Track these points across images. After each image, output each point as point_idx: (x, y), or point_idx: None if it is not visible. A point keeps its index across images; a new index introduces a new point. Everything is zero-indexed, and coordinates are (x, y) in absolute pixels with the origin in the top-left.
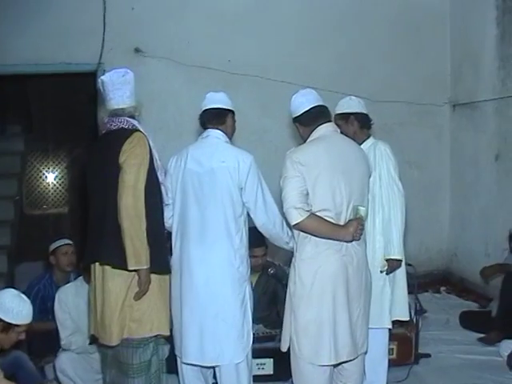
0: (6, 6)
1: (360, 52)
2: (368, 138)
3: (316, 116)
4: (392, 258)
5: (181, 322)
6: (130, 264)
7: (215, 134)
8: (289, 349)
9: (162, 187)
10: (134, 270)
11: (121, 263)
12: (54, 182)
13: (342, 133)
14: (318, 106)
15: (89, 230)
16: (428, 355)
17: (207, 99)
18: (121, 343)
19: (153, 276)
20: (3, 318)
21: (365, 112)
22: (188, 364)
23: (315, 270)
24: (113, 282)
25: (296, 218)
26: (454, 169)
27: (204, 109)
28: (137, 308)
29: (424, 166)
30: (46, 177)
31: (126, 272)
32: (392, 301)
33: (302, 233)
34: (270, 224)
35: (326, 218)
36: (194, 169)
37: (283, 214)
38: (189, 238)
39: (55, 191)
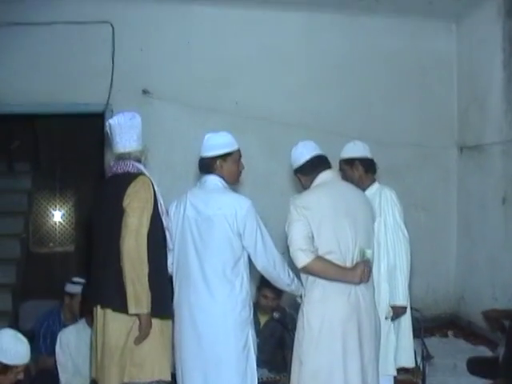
0: (16, 46)
1: (367, 95)
2: (373, 182)
3: (316, 165)
4: (397, 304)
5: (183, 368)
6: (130, 308)
7: (211, 180)
8: None
9: (167, 232)
10: (135, 315)
11: (121, 307)
12: (61, 221)
13: (347, 178)
14: (318, 155)
15: (92, 273)
16: None
17: (202, 144)
18: None
19: (154, 320)
20: (1, 359)
21: (369, 157)
22: None
23: (324, 315)
24: (113, 325)
25: (303, 260)
26: (460, 211)
27: (200, 157)
28: (138, 352)
29: (431, 209)
30: (53, 215)
31: (127, 316)
32: (397, 347)
33: (310, 276)
34: (270, 266)
35: (332, 260)
36: (192, 215)
37: (290, 258)
38: (189, 284)
39: (62, 229)
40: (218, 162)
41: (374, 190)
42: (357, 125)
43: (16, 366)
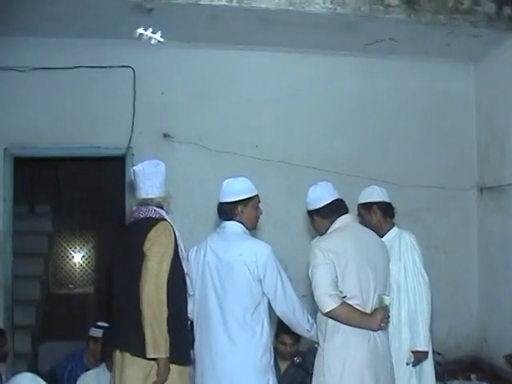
0: (40, 90)
1: (386, 138)
2: (392, 227)
3: (336, 208)
4: (418, 349)
5: None
6: (148, 352)
7: (231, 226)
8: None
9: (187, 277)
10: (153, 359)
11: (140, 351)
12: (81, 262)
13: (365, 223)
14: (338, 198)
15: (112, 317)
16: None
17: (222, 190)
18: None
19: (173, 366)
20: None
21: (387, 201)
22: None
23: (345, 360)
24: (131, 369)
25: (330, 305)
26: (482, 253)
27: (219, 202)
28: None
29: (452, 251)
30: (73, 257)
31: (145, 360)
32: None
33: (330, 321)
34: (289, 312)
35: (354, 305)
36: (212, 261)
37: (309, 303)
38: (209, 329)
39: (81, 271)
40: (238, 208)
41: (393, 234)
42: (376, 168)
43: None
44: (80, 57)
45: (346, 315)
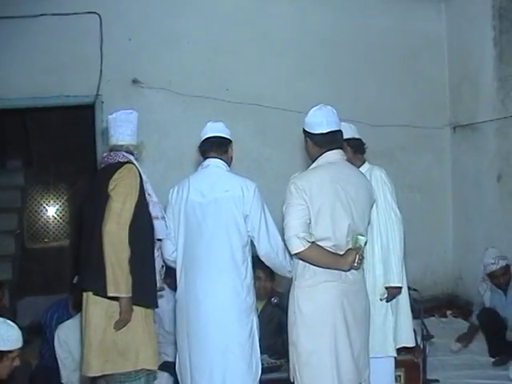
0: (3, 40)
1: (357, 77)
2: (363, 163)
3: (329, 142)
4: (392, 285)
5: (189, 357)
6: (109, 290)
7: (216, 163)
8: None
9: (156, 221)
10: (114, 299)
11: (101, 290)
12: (55, 215)
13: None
14: (335, 131)
15: (78, 259)
16: (437, 381)
17: (208, 128)
18: (110, 377)
19: (138, 308)
20: None
21: (357, 137)
22: None
23: (314, 299)
24: (94, 308)
25: (298, 247)
26: (456, 191)
27: (205, 137)
28: (121, 342)
29: (426, 190)
30: (47, 210)
31: (107, 301)
32: (396, 328)
33: (300, 261)
34: (272, 253)
35: (325, 247)
36: (196, 200)
37: (284, 242)
38: (194, 270)
39: (56, 224)
40: (228, 146)
41: (364, 170)
42: (348, 107)
43: (11, 351)
44: (45, 5)
45: (315, 258)
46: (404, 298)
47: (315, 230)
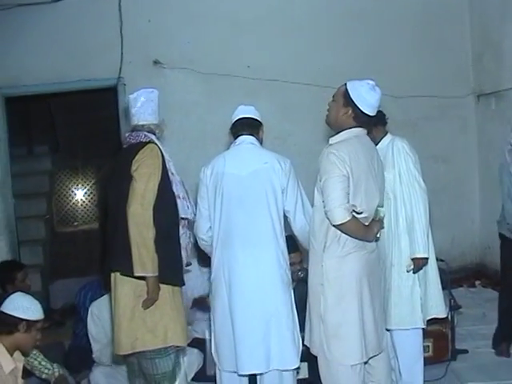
0: (25, 27)
1: (380, 49)
2: (385, 135)
3: (366, 122)
4: (417, 256)
5: (232, 331)
6: (135, 270)
7: (250, 140)
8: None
9: (179, 200)
10: (142, 278)
11: (128, 270)
12: (84, 199)
13: None
14: (379, 111)
15: (105, 241)
16: (465, 351)
17: (239, 110)
18: (141, 355)
19: (165, 287)
20: (25, 316)
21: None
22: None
23: (343, 270)
24: (122, 289)
25: (343, 217)
26: (482, 160)
27: (237, 118)
28: (149, 320)
29: (451, 160)
30: (76, 194)
31: (135, 280)
32: (426, 299)
33: (331, 232)
34: (307, 227)
35: (360, 219)
36: (235, 173)
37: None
38: (233, 243)
39: (85, 208)
40: (260, 128)
41: (386, 142)
42: (371, 79)
43: (37, 322)
44: None
45: (355, 229)
46: (433, 269)
47: (353, 202)
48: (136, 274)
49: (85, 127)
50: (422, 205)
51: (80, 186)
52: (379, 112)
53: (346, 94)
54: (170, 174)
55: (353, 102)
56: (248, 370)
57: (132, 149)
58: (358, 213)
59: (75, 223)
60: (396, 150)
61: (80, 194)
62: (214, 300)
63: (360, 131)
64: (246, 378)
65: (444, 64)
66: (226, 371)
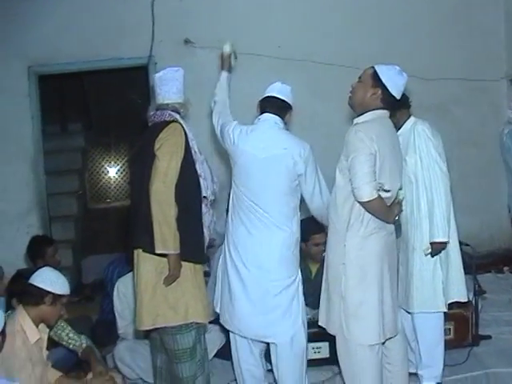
0: (57, 6)
1: (409, 30)
2: (408, 117)
3: (391, 105)
4: (436, 241)
5: (230, 296)
6: (157, 247)
7: (274, 120)
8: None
9: (202, 180)
10: (163, 255)
11: (150, 247)
12: (116, 176)
13: None
14: (405, 95)
15: (129, 218)
16: (489, 337)
17: (274, 86)
18: (162, 331)
19: (187, 264)
20: (52, 290)
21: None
22: (239, 335)
23: (365, 250)
24: (144, 266)
25: (371, 194)
26: None
27: (269, 95)
28: (171, 296)
29: (482, 144)
30: (108, 171)
31: (157, 257)
32: (448, 283)
33: (355, 211)
34: (324, 208)
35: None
36: (255, 153)
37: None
38: (244, 220)
39: (117, 185)
40: (288, 111)
41: (408, 126)
42: (401, 61)
43: (63, 296)
44: None
45: (379, 208)
46: (455, 253)
47: (379, 180)
48: (157, 251)
49: (117, 105)
50: (443, 189)
51: (112, 163)
52: (403, 95)
53: (375, 76)
54: (193, 152)
55: (382, 83)
56: (239, 331)
57: (156, 127)
58: (385, 191)
59: (107, 200)
60: (417, 134)
61: (112, 172)
62: (220, 270)
63: (384, 113)
64: (259, 345)
65: (476, 47)
66: (235, 334)
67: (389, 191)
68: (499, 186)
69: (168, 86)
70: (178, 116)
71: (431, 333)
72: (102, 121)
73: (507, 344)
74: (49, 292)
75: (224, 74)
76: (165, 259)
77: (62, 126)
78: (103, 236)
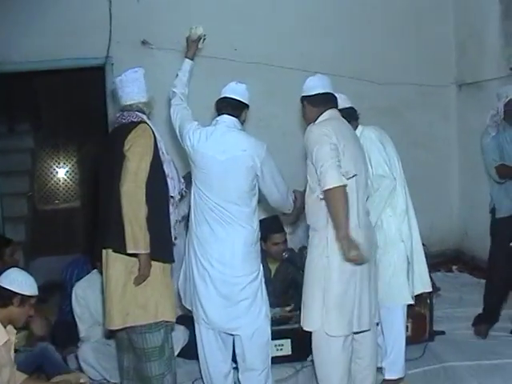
0: (12, 4)
1: (363, 36)
2: (356, 128)
3: (327, 101)
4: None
5: (196, 292)
6: (128, 247)
7: (231, 121)
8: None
9: (169, 180)
10: (134, 255)
11: (121, 247)
12: (65, 177)
13: None
14: (330, 93)
15: (98, 219)
16: (442, 332)
17: (229, 87)
18: (131, 330)
19: (156, 263)
20: (20, 291)
21: (348, 106)
22: (205, 331)
23: None
24: (114, 266)
25: (338, 180)
26: (461, 148)
27: (223, 96)
28: (141, 296)
29: (431, 147)
30: (57, 172)
31: (127, 257)
32: (414, 275)
33: None
34: (281, 200)
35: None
36: (216, 156)
37: None
38: (207, 218)
39: (66, 186)
40: (244, 111)
41: (358, 134)
42: (354, 66)
43: (31, 297)
44: None
45: (339, 198)
46: (419, 247)
47: (344, 169)
48: (129, 251)
49: (69, 106)
50: (384, 190)
51: (62, 164)
52: (351, 109)
53: (300, 99)
54: (160, 153)
55: (303, 96)
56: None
57: (124, 128)
58: (351, 177)
59: (56, 201)
60: (363, 140)
61: (62, 173)
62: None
63: (333, 113)
64: (227, 341)
65: (427, 52)
66: (201, 331)
67: (354, 176)
68: (448, 188)
69: (130, 87)
70: (144, 116)
71: (397, 326)
72: (52, 122)
73: (460, 339)
74: (17, 293)
75: (187, 63)
76: (134, 259)
77: (9, 126)
78: (52, 237)
